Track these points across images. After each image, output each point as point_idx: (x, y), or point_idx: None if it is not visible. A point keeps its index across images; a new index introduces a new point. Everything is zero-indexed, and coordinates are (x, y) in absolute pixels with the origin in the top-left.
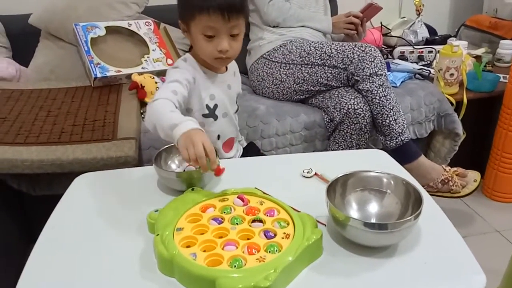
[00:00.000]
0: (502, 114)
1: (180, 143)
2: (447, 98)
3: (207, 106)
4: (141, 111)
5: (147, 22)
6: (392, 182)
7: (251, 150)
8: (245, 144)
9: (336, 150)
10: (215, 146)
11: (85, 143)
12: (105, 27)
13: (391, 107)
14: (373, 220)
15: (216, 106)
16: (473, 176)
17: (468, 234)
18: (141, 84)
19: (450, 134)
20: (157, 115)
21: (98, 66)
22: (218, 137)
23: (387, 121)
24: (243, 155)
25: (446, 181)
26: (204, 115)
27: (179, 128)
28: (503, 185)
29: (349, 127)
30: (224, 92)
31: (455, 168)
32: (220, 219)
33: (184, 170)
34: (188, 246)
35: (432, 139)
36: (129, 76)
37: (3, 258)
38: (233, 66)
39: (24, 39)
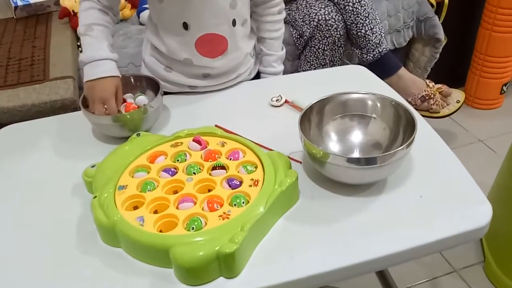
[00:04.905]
0: (485, 12)
1: (85, 91)
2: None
3: None
4: (78, 43)
5: None
6: (379, 104)
7: None
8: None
9: (308, 70)
10: (185, 39)
11: (11, 88)
12: None
13: (366, 14)
14: (357, 153)
15: None
16: (457, 96)
17: (450, 148)
18: (73, 11)
19: (430, 40)
20: (79, 30)
21: None
22: (185, 26)
23: (363, 31)
24: None
25: (427, 97)
26: None
27: (87, 70)
28: (485, 91)
29: (321, 42)
30: None
31: (439, 85)
32: (173, 169)
33: (119, 111)
34: (135, 207)
35: (411, 48)
36: (57, 3)
37: None
38: None
39: None
